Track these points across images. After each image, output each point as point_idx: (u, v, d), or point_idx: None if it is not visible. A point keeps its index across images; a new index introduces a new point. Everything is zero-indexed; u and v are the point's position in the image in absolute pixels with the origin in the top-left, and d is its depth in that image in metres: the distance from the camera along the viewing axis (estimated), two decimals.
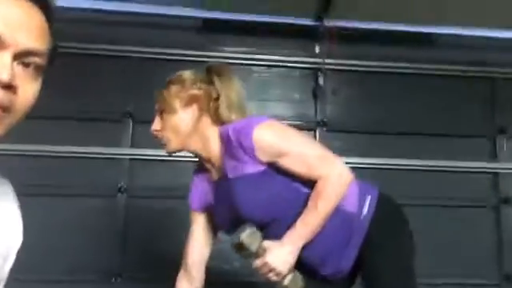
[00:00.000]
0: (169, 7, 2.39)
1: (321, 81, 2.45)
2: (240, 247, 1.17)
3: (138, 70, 2.42)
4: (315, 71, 2.49)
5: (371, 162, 2.38)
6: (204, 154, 1.31)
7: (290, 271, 1.19)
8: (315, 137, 2.41)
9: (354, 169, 2.28)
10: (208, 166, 1.34)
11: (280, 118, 2.38)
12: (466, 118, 2.51)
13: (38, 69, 0.57)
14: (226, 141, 1.25)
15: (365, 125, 2.45)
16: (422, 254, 2.16)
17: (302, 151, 1.22)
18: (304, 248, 1.22)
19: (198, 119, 1.29)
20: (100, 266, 2.24)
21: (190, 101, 1.29)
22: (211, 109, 1.29)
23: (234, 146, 1.22)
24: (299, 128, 2.38)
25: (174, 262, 1.43)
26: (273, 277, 1.18)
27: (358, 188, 1.30)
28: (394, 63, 2.49)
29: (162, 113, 1.30)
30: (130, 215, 2.31)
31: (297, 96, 2.50)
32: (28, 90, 0.56)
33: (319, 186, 1.19)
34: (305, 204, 1.22)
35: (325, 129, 2.43)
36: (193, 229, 1.40)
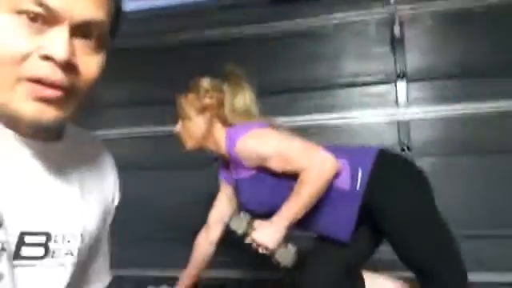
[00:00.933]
0: None
1: (396, 31, 2.38)
2: (232, 232, 1.40)
3: (218, 51, 2.57)
4: (390, 22, 2.41)
5: (460, 108, 2.28)
6: (219, 154, 1.49)
7: (279, 246, 1.33)
8: (396, 90, 2.37)
9: (442, 118, 2.26)
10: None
11: (359, 76, 2.43)
12: None
13: (100, 39, 0.53)
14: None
15: (448, 70, 2.33)
16: None
17: (282, 151, 1.33)
18: (303, 224, 1.37)
19: (211, 125, 1.45)
20: None
21: (203, 109, 1.45)
22: (221, 114, 1.45)
23: (228, 154, 1.42)
24: (381, 83, 2.42)
25: None
26: (262, 251, 1.33)
27: (350, 163, 1.36)
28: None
29: (180, 117, 1.49)
30: None
31: (374, 50, 2.45)
32: (91, 63, 0.52)
33: (302, 175, 1.30)
34: None
35: (405, 80, 2.37)
36: (219, 194, 1.63)
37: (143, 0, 2.36)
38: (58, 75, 0.48)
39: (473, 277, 2.06)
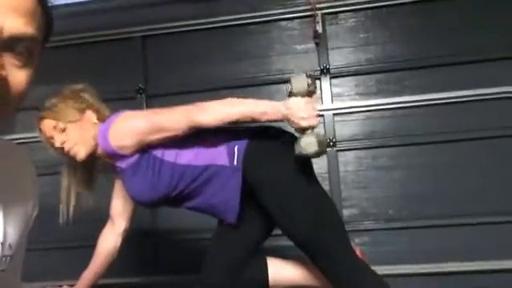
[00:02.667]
0: None
1: (319, 27, 2.42)
2: (320, 146, 1.25)
3: (142, 48, 2.52)
4: (313, 19, 2.43)
5: (382, 103, 2.35)
6: (101, 158, 1.46)
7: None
8: (320, 86, 2.39)
9: (365, 112, 2.31)
10: None
11: (284, 72, 2.45)
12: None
13: (30, 53, 0.53)
14: None
15: (370, 65, 2.40)
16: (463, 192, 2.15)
17: (154, 121, 1.33)
18: (194, 206, 1.40)
19: (91, 124, 1.46)
20: None
21: (84, 109, 1.46)
22: (97, 111, 1.47)
23: (104, 152, 1.39)
24: None
25: None
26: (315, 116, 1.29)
27: (226, 143, 1.38)
28: None
29: (59, 128, 1.43)
30: None
31: (298, 47, 2.49)
32: (20, 76, 0.52)
33: (201, 123, 1.32)
34: (190, 173, 1.35)
35: (328, 76, 2.41)
36: (115, 187, 1.59)
37: None
38: None
39: (387, 269, 2.13)
